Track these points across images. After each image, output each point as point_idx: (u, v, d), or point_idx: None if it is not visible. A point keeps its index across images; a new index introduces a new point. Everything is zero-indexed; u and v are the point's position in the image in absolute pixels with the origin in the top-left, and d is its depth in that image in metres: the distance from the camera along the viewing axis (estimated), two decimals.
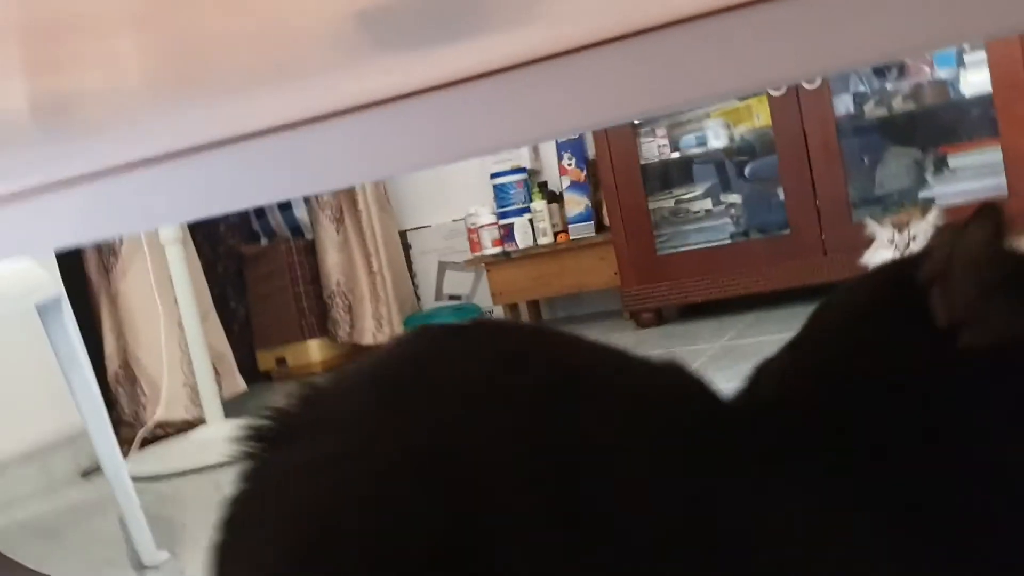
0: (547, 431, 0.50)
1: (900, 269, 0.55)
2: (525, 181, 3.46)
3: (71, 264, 2.69)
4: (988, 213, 0.50)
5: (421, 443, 0.50)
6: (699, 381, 0.57)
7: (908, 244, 2.64)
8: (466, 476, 0.48)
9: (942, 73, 2.98)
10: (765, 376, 0.56)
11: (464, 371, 0.53)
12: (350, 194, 3.48)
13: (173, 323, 2.58)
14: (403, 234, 3.84)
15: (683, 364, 0.57)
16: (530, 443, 0.50)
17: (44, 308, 1.54)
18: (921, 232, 2.64)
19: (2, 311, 1.69)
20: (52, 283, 1.58)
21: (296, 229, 3.57)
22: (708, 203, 3.19)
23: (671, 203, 3.23)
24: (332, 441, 0.51)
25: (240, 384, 2.91)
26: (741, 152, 3.26)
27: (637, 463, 0.50)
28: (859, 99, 3.08)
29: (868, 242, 2.76)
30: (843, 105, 3.06)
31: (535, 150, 3.59)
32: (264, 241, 3.60)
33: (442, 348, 0.55)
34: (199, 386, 2.50)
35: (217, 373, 2.70)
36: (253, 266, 3.51)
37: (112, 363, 2.73)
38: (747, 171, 3.26)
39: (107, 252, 2.69)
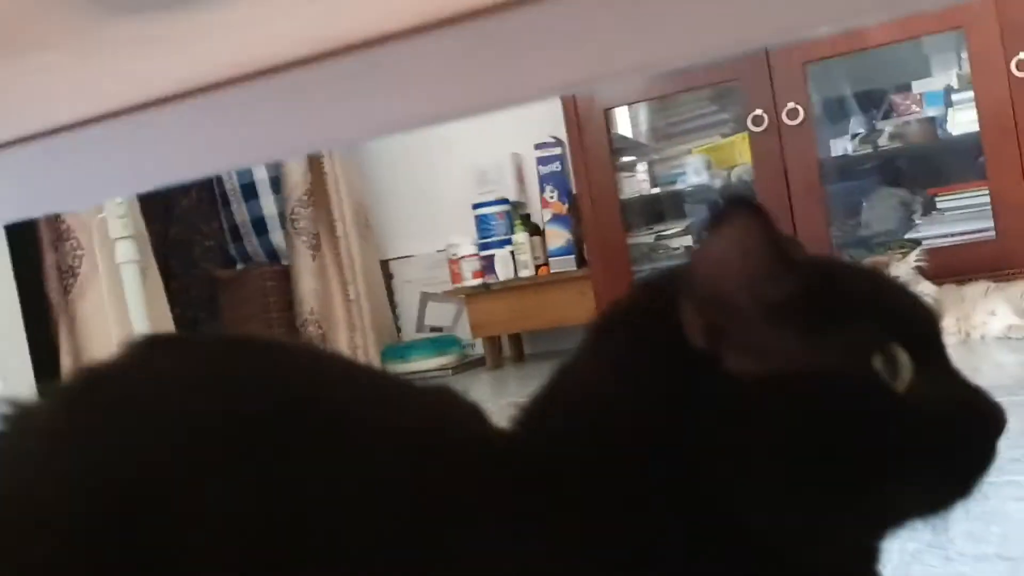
0: (252, 466, 0.43)
1: (668, 279, 0.46)
2: (507, 212, 3.40)
3: (32, 283, 2.65)
4: (741, 208, 0.42)
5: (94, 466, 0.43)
6: (464, 410, 0.50)
7: None
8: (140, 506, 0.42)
9: (930, 111, 2.91)
10: (533, 405, 0.48)
11: (176, 390, 0.46)
12: (328, 220, 3.43)
13: None
14: (386, 263, 3.79)
15: (453, 392, 0.51)
16: (224, 485, 0.43)
17: None
18: (902, 273, 2.56)
19: None
20: None
21: (272, 254, 3.52)
22: (688, 239, 3.12)
23: (651, 239, 3.16)
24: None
25: None
26: (723, 189, 3.19)
27: (344, 497, 0.43)
28: (843, 138, 3.01)
29: None
30: (827, 143, 2.99)
31: (520, 181, 3.54)
32: (240, 266, 3.56)
33: (163, 364, 0.49)
34: None
35: None
36: (227, 291, 3.45)
37: None
38: None
39: (67, 272, 2.64)
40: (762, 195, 2.93)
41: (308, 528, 0.42)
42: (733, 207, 0.42)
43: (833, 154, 3.01)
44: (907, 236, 2.88)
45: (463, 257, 3.40)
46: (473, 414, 0.50)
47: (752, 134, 2.89)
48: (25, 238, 2.61)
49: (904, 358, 0.43)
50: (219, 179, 3.50)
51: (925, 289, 2.57)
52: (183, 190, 3.41)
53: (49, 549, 0.42)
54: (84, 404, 0.48)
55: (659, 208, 3.29)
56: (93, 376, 0.50)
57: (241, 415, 0.45)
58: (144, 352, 0.50)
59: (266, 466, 0.44)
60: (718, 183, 3.12)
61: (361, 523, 0.43)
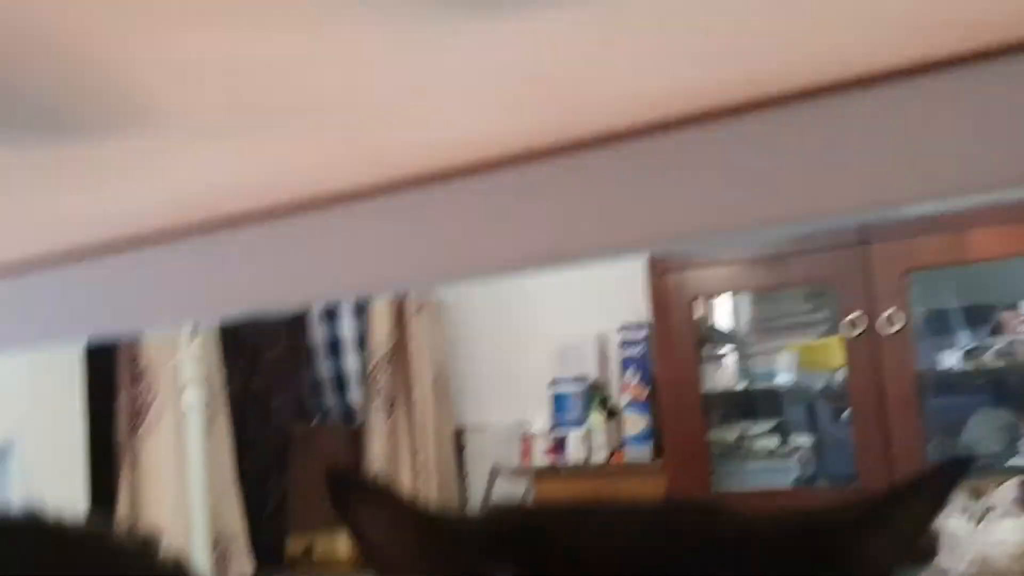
0: None
1: None
2: (585, 392, 3.32)
3: (103, 420, 2.67)
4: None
5: None
6: None
7: (984, 513, 2.35)
8: None
9: None
10: None
11: None
12: (407, 381, 3.40)
13: (183, 494, 2.50)
14: (459, 433, 3.71)
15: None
16: None
17: None
18: (999, 502, 2.35)
19: None
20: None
21: (348, 413, 3.50)
22: (774, 442, 2.96)
23: (734, 437, 3.01)
24: None
25: (246, 568, 2.77)
26: (814, 392, 3.05)
27: None
28: (947, 351, 2.85)
29: None
30: (928, 355, 2.84)
31: (603, 363, 3.46)
32: (316, 421, 3.54)
33: None
34: (194, 560, 2.38)
35: (224, 553, 2.58)
36: (299, 447, 3.43)
37: (122, 525, 2.65)
38: (818, 414, 3.04)
39: (137, 412, 2.66)
40: (856, 403, 2.78)
41: None
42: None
43: (934, 367, 2.85)
44: (1009, 464, 2.67)
45: (536, 434, 3.31)
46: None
47: (848, 339, 2.77)
48: (103, 374, 2.66)
49: None
50: (307, 333, 3.54)
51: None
52: (271, 342, 3.46)
53: None
54: None
55: (745, 405, 3.15)
56: None
57: None
58: None
59: None
60: (808, 383, 2.99)
61: None
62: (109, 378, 2.67)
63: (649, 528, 0.38)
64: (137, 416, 2.67)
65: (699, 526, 0.38)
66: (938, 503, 0.39)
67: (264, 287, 0.71)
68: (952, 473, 0.39)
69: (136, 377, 2.65)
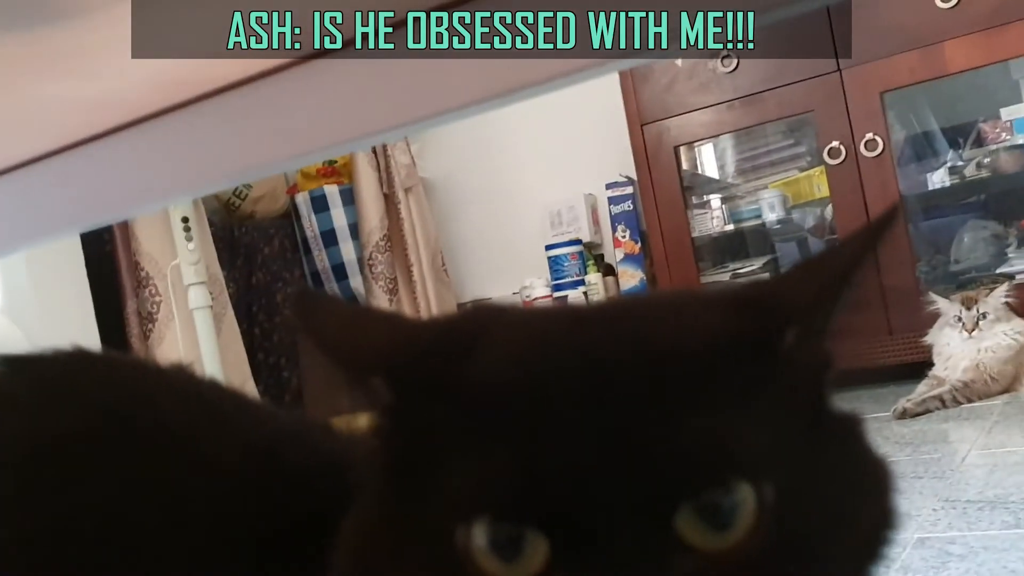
0: None
1: None
2: (580, 253, 3.37)
3: (115, 330, 2.73)
4: None
5: None
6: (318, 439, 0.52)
7: (976, 322, 2.43)
8: None
9: (1020, 139, 2.77)
10: None
11: None
12: (405, 264, 3.46)
13: None
14: (462, 307, 3.78)
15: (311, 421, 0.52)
16: None
17: None
18: (991, 308, 2.43)
19: None
20: None
21: (352, 300, 3.56)
22: (767, 277, 3.02)
23: (726, 277, 3.08)
24: None
25: None
26: (804, 229, 3.10)
27: None
28: (931, 173, 2.89)
29: (934, 319, 2.56)
30: (911, 176, 2.87)
31: (595, 222, 3.51)
32: None
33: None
34: None
35: None
36: None
37: None
38: (810, 248, 3.09)
39: (146, 319, 2.72)
40: (842, 231, 2.83)
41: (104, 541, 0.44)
42: None
43: (917, 186, 2.89)
44: (999, 271, 2.73)
45: (537, 299, 3.38)
46: (327, 442, 0.50)
47: (829, 167, 2.80)
48: (108, 285, 2.70)
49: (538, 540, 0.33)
50: (300, 227, 3.57)
51: (1016, 327, 2.43)
52: (265, 239, 3.49)
53: None
54: None
55: (736, 246, 3.21)
56: None
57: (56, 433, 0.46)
58: None
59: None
60: (798, 220, 3.03)
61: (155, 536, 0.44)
62: (115, 290, 2.72)
63: (582, 333, 0.37)
64: (147, 322, 2.74)
65: (628, 333, 0.36)
66: (870, 243, 0.41)
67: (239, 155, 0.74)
68: (884, 221, 0.42)
69: (140, 284, 2.71)
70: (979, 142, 2.89)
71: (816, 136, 2.87)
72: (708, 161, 3.32)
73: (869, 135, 2.71)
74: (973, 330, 2.42)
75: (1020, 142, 2.78)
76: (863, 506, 0.36)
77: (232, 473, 0.46)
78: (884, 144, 2.71)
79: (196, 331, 2.50)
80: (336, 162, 3.50)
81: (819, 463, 0.35)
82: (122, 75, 0.66)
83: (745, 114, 2.90)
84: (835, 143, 2.76)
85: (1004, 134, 2.83)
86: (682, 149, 3.05)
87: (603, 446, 0.32)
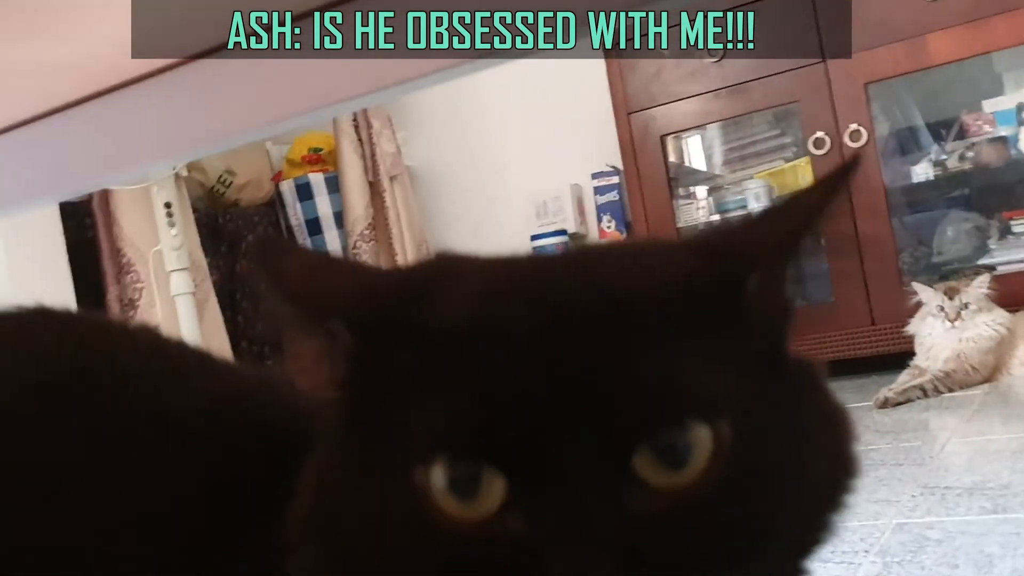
0: None
1: None
2: (566, 243, 3.37)
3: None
4: None
5: None
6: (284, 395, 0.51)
7: (959, 312, 2.44)
8: None
9: (1002, 131, 2.78)
10: None
11: None
12: (390, 254, 3.45)
13: None
14: None
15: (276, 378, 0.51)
16: None
17: None
18: (972, 299, 2.44)
19: None
20: None
21: None
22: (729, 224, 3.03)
23: None
24: None
25: None
26: None
27: None
28: (914, 166, 2.89)
29: (916, 309, 2.57)
30: (894, 167, 2.88)
31: (581, 212, 3.51)
32: None
33: None
34: None
35: None
36: None
37: None
38: None
39: (127, 305, 2.70)
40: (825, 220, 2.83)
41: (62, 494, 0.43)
42: None
43: (901, 178, 2.90)
44: (980, 262, 2.75)
45: None
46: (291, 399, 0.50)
47: (814, 158, 2.80)
48: (89, 272, 2.69)
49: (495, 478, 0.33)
50: (285, 214, 3.56)
51: (997, 317, 2.44)
52: (250, 227, 3.48)
53: None
54: None
55: None
56: None
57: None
58: None
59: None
60: None
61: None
62: (97, 276, 2.70)
63: (542, 277, 0.38)
64: (129, 309, 2.72)
65: (589, 279, 0.36)
66: (832, 193, 0.40)
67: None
68: (844, 170, 0.41)
69: (122, 270, 2.69)
70: (961, 134, 2.90)
71: (801, 127, 2.88)
72: (695, 151, 3.32)
73: (853, 126, 2.72)
74: (956, 319, 2.43)
75: (1002, 134, 2.79)
76: (821, 450, 0.37)
77: (196, 425, 0.46)
78: (868, 135, 2.72)
79: (178, 318, 2.49)
80: (322, 150, 3.49)
81: (777, 406, 0.35)
82: (89, 40, 0.66)
83: (731, 104, 2.90)
84: (820, 134, 2.77)
85: (986, 126, 2.85)
86: (668, 140, 3.05)
87: (560, 384, 0.32)
